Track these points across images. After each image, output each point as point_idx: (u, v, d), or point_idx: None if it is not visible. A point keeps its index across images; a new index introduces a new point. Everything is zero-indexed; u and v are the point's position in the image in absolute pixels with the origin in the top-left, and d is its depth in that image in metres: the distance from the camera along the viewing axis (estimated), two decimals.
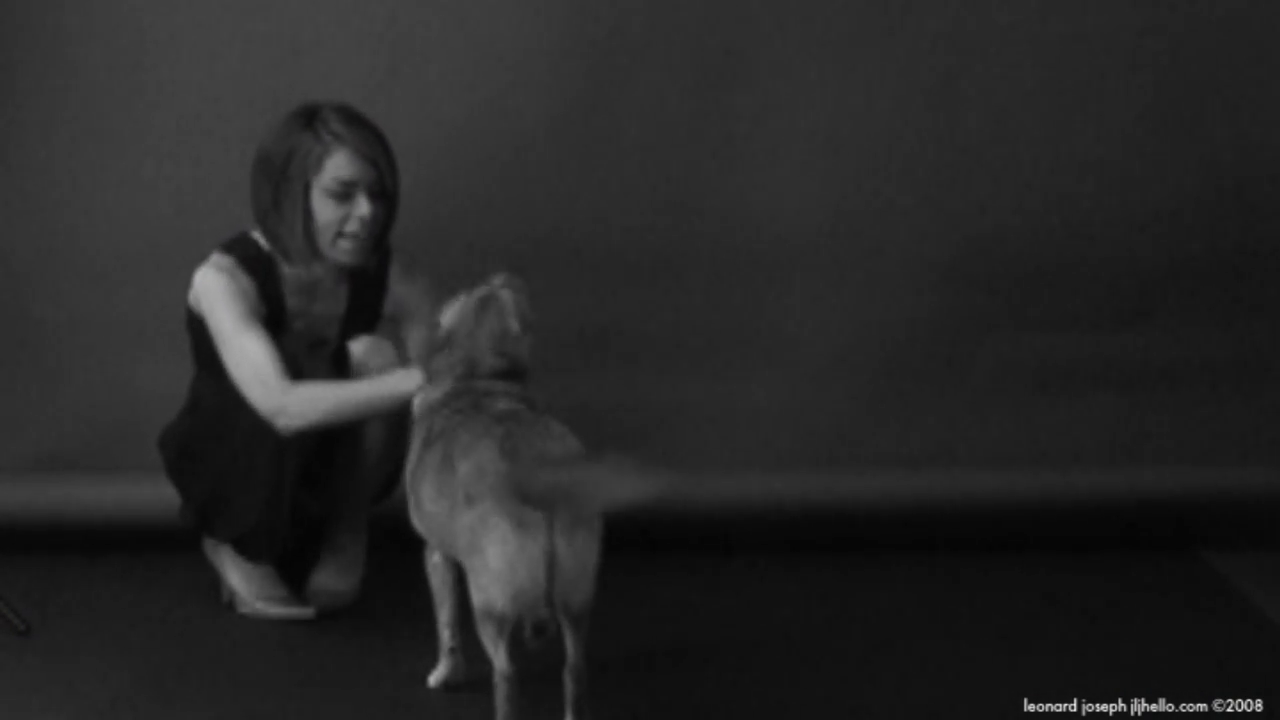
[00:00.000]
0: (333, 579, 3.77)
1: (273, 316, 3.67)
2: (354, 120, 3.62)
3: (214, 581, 3.78)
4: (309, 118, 3.61)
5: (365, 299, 3.74)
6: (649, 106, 4.39)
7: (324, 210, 3.59)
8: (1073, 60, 4.40)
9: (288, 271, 3.67)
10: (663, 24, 4.37)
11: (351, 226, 3.60)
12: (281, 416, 3.52)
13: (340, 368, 3.65)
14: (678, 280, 4.43)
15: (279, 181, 3.60)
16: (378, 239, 3.67)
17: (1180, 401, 4.44)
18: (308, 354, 3.61)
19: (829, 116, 4.41)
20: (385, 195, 3.63)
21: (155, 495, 3.89)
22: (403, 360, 3.70)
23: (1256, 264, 4.45)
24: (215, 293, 3.60)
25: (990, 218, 4.43)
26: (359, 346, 3.67)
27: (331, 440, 3.69)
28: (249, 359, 3.56)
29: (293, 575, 3.76)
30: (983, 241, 4.43)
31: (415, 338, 3.76)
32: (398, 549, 3.77)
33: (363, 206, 3.59)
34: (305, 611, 3.71)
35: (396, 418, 3.68)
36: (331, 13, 4.34)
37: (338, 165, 3.58)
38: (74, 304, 4.36)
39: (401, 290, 3.77)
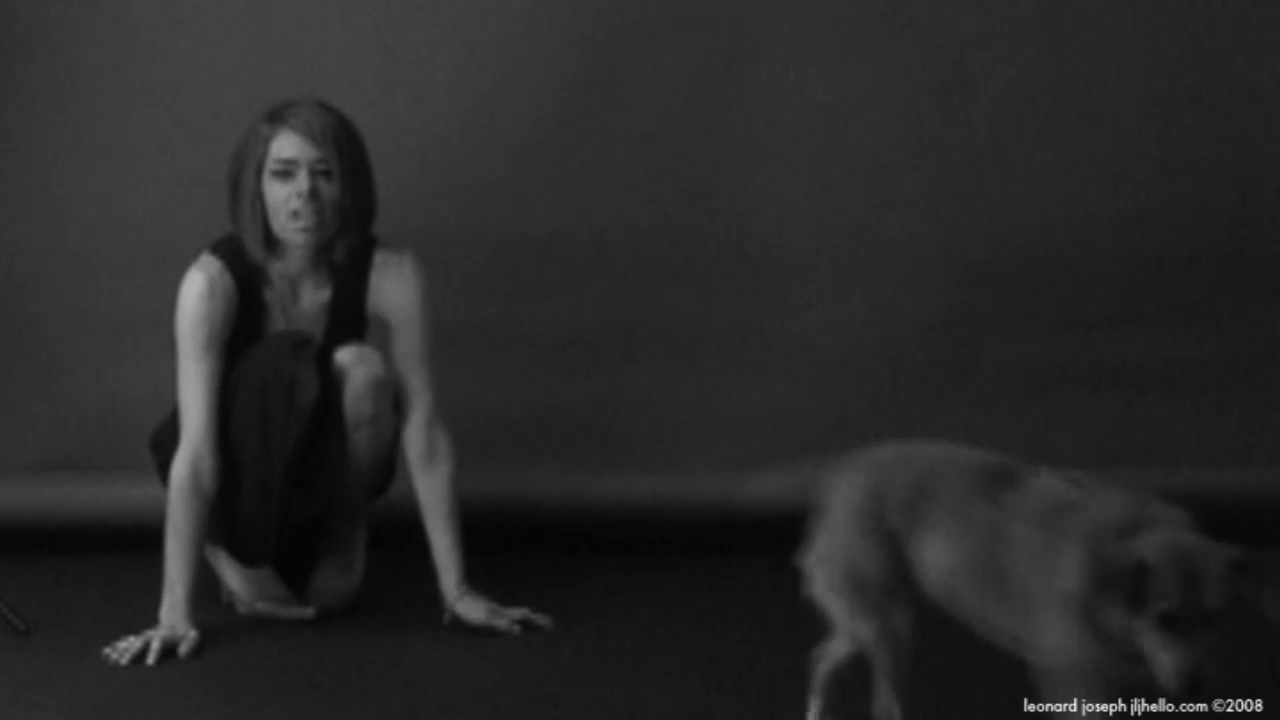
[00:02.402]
0: (333, 579, 3.76)
1: (252, 317, 3.66)
2: (310, 107, 3.61)
3: (214, 581, 3.78)
4: (273, 111, 3.63)
5: (348, 293, 3.71)
6: (650, 107, 4.39)
7: (272, 192, 3.60)
8: (1073, 62, 4.40)
9: (271, 271, 3.66)
10: (665, 23, 4.37)
11: (293, 204, 3.58)
12: (175, 466, 3.59)
13: (324, 370, 3.63)
14: (678, 280, 4.43)
15: (237, 171, 3.63)
16: (341, 221, 3.61)
17: (1180, 401, 4.44)
18: (293, 354, 3.59)
19: (830, 117, 4.41)
20: (336, 175, 3.60)
21: (155, 495, 3.88)
22: (389, 369, 3.68)
23: (1256, 264, 4.45)
24: (184, 308, 3.62)
25: (991, 218, 4.43)
26: (346, 355, 3.65)
27: (320, 440, 3.66)
28: (188, 399, 3.60)
29: (293, 575, 3.76)
30: (983, 242, 4.43)
31: (401, 348, 3.73)
32: (398, 549, 3.76)
33: (302, 183, 3.57)
34: (305, 611, 3.71)
35: (379, 388, 3.64)
36: (330, 13, 4.34)
37: (279, 146, 3.59)
38: (71, 305, 4.36)
39: (388, 288, 3.71)
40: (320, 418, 3.63)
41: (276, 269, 3.65)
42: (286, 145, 3.59)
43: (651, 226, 4.42)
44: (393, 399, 3.68)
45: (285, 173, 3.59)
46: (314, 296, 3.69)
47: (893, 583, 2.83)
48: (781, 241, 4.43)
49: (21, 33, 4.32)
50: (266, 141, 3.59)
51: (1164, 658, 2.51)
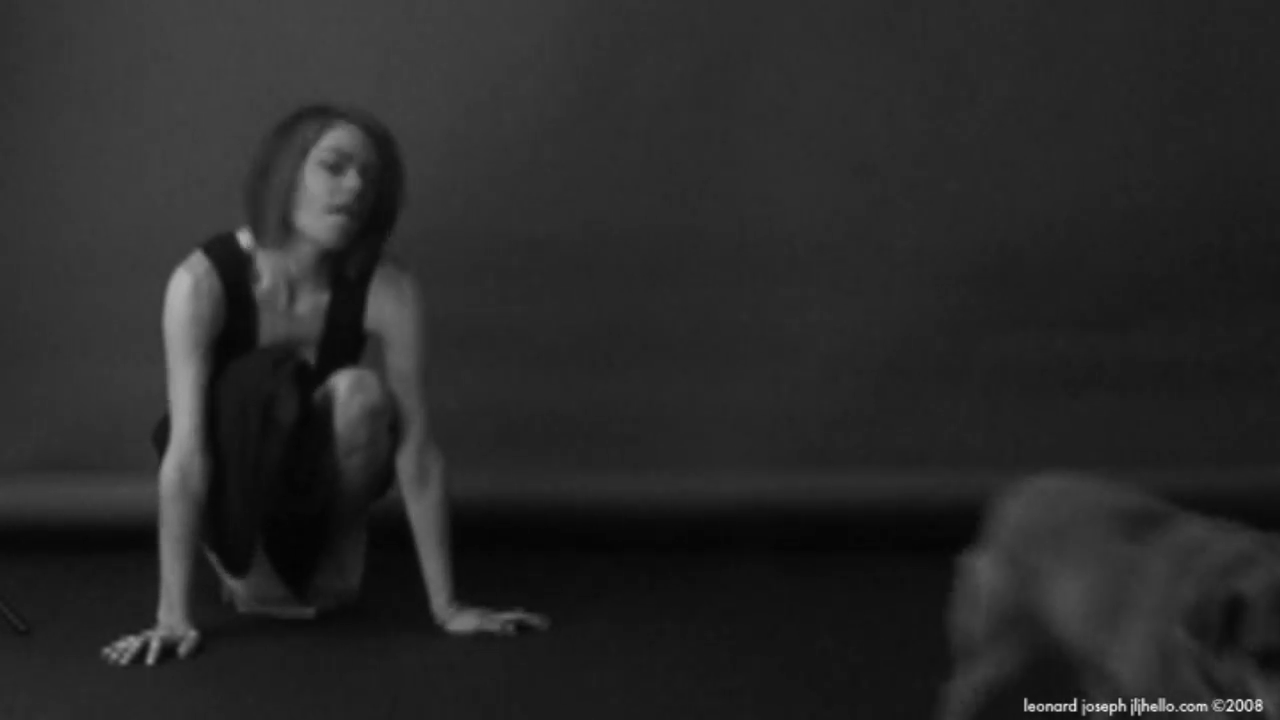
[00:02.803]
0: (333, 579, 3.76)
1: (242, 316, 3.64)
2: (368, 114, 3.60)
3: (214, 581, 3.78)
4: (322, 107, 3.60)
5: (347, 301, 3.69)
6: (650, 107, 4.39)
7: (315, 182, 3.55)
8: (1073, 63, 4.41)
9: (265, 271, 3.63)
10: (664, 23, 4.37)
11: (338, 198, 3.54)
12: (164, 469, 3.57)
13: (305, 387, 3.62)
14: (678, 280, 4.43)
15: (275, 149, 3.57)
16: (368, 230, 3.60)
17: (1180, 401, 4.44)
18: (272, 372, 3.57)
19: (830, 117, 4.41)
20: (379, 183, 3.59)
21: (154, 495, 3.88)
22: (385, 395, 3.65)
23: (1255, 264, 4.45)
24: (171, 310, 3.60)
25: (991, 218, 4.43)
26: (343, 381, 3.63)
27: (311, 450, 3.65)
28: (177, 401, 3.59)
29: (293, 575, 3.76)
30: (983, 242, 4.43)
31: (396, 369, 3.70)
32: (397, 550, 3.76)
33: (351, 179, 3.55)
34: (305, 611, 3.71)
35: (375, 416, 3.64)
36: (330, 14, 4.34)
37: (337, 136, 3.55)
38: (71, 305, 4.36)
39: (387, 306, 3.67)
40: (308, 430, 3.61)
41: (276, 265, 3.63)
42: (344, 138, 3.55)
43: (651, 227, 4.42)
44: (388, 423, 3.66)
45: (335, 165, 3.55)
46: (313, 299, 3.67)
47: (1014, 619, 2.77)
48: (781, 242, 4.43)
49: (21, 35, 4.32)
50: (322, 129, 3.55)
51: (1266, 697, 2.36)
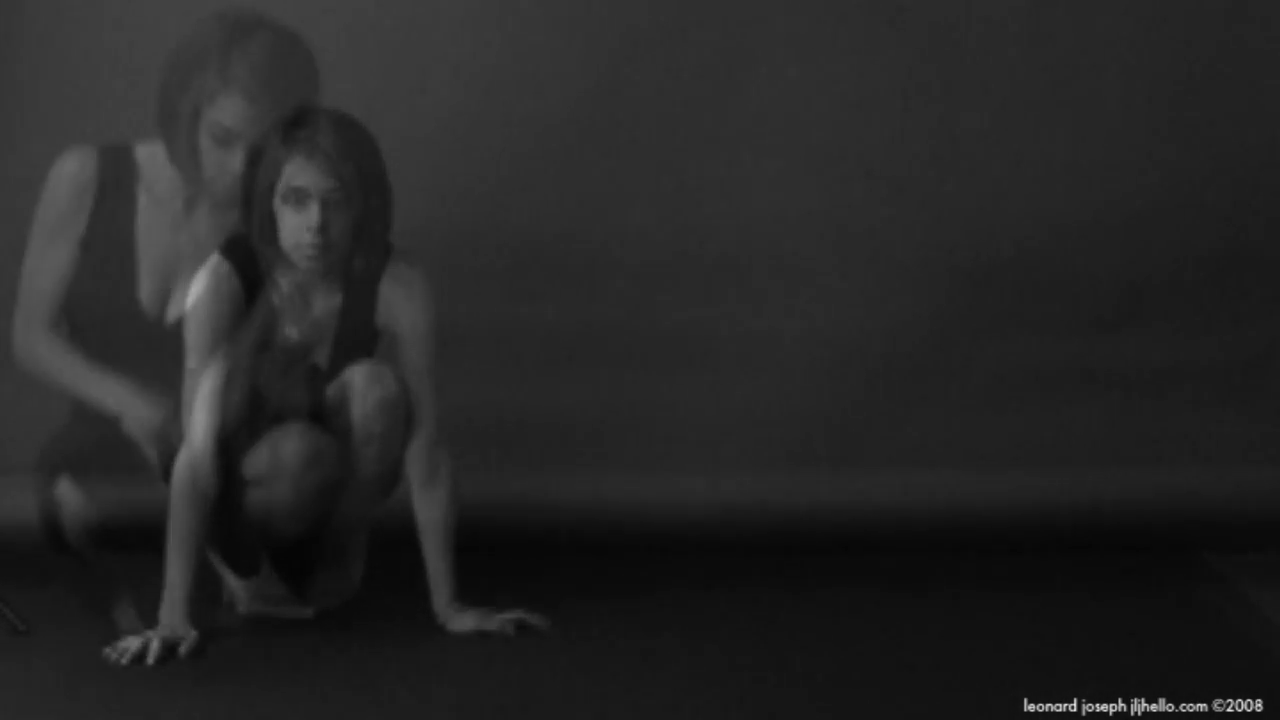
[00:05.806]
0: (333, 580, 3.76)
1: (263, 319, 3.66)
2: (327, 126, 3.57)
3: (214, 581, 3.78)
4: (289, 123, 3.59)
5: (359, 301, 3.69)
6: (649, 107, 4.39)
7: (283, 217, 3.57)
8: (1071, 63, 4.41)
9: (284, 278, 3.65)
10: (663, 24, 4.37)
11: (303, 236, 3.56)
12: (176, 468, 3.57)
13: (315, 389, 3.62)
14: (677, 280, 4.43)
15: (250, 180, 3.60)
16: (354, 242, 3.60)
17: (1179, 402, 4.44)
18: (281, 376, 3.58)
19: (829, 117, 4.41)
20: (351, 199, 3.58)
21: (154, 495, 3.88)
22: (402, 388, 3.65)
23: (1254, 265, 4.45)
24: (193, 310, 3.61)
25: (989, 219, 4.43)
26: (359, 374, 3.64)
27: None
28: (194, 403, 3.57)
29: (293, 575, 3.76)
30: (982, 243, 4.43)
31: (407, 365, 3.70)
32: (398, 550, 3.76)
33: (313, 216, 3.55)
34: (305, 611, 3.71)
35: (392, 408, 3.64)
36: (331, 12, 4.34)
37: (290, 172, 3.56)
38: None
39: (398, 302, 3.68)
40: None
41: (287, 276, 3.65)
42: (299, 173, 3.55)
43: (649, 228, 4.42)
44: (404, 416, 3.67)
45: (297, 201, 3.56)
46: (326, 303, 3.68)
47: None
48: (780, 242, 4.43)
49: (21, 32, 4.32)
50: (280, 164, 3.56)
51: None
